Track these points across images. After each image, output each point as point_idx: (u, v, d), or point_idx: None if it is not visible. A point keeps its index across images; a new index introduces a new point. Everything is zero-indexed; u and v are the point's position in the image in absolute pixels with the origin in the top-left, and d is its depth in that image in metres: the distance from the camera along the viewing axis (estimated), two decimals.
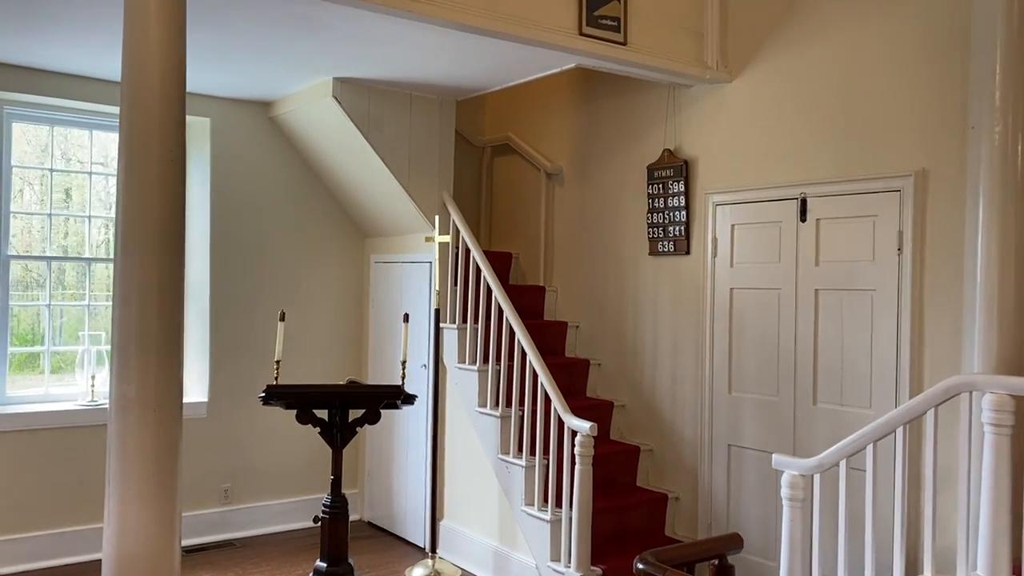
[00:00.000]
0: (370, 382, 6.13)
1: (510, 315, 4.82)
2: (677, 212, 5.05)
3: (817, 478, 3.37)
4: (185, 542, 5.41)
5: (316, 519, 4.16)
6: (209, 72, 4.93)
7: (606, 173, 5.63)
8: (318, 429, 4.16)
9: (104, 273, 5.51)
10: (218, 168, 5.63)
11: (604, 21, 4.33)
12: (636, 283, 5.38)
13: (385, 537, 5.82)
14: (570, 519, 4.33)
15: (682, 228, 5.03)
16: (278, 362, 4.22)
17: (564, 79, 5.91)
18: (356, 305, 6.24)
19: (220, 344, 5.63)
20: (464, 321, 5.27)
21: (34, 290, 5.30)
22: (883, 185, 4.07)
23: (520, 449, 4.84)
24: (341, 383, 4.36)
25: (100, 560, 2.99)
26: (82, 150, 5.46)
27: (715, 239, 4.87)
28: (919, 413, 3.12)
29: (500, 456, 4.88)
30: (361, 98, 5.14)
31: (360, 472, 6.23)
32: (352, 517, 5.98)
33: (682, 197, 5.02)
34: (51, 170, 5.33)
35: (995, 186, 3.46)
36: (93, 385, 5.30)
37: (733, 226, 4.78)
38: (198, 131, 5.66)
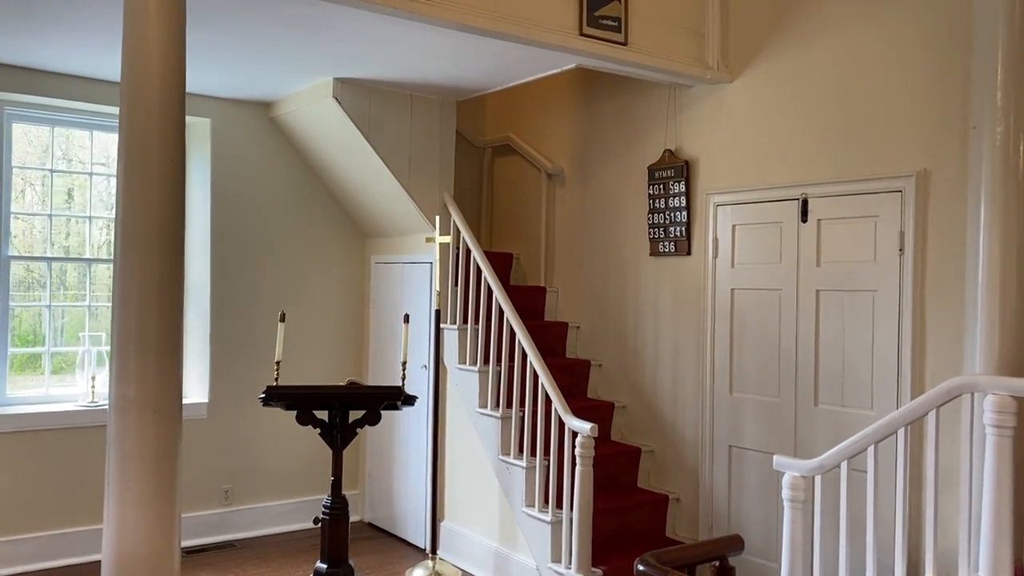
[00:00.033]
0: (370, 383, 6.13)
1: (511, 316, 4.82)
2: (678, 212, 5.05)
3: (818, 479, 3.36)
4: (185, 543, 5.41)
5: (316, 520, 4.15)
6: (209, 72, 4.93)
7: (607, 173, 5.62)
8: (318, 430, 4.15)
9: (105, 274, 5.51)
10: (218, 168, 5.63)
11: (605, 21, 4.32)
12: (637, 284, 5.38)
13: (385, 538, 5.81)
14: (571, 520, 4.32)
15: (683, 228, 5.02)
16: (278, 363, 4.21)
17: (565, 79, 5.91)
18: (356, 306, 6.24)
19: (220, 345, 5.63)
20: (465, 322, 5.26)
21: (36, 291, 5.30)
22: (884, 185, 4.06)
23: (521, 450, 4.83)
24: (341, 384, 4.35)
25: (101, 561, 2.98)
26: (83, 151, 5.46)
27: (716, 239, 4.86)
28: (920, 414, 3.11)
29: (501, 457, 4.87)
30: (361, 98, 5.13)
31: (361, 473, 6.23)
32: (353, 518, 5.97)
33: (683, 197, 5.01)
34: (51, 171, 5.33)
35: (996, 186, 3.46)
36: (93, 386, 5.29)
37: (734, 226, 4.77)
38: (198, 131, 5.66)
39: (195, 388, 5.67)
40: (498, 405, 4.95)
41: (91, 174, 5.48)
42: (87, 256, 5.45)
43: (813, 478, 3.37)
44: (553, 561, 4.48)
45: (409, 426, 5.72)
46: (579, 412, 4.89)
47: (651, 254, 5.25)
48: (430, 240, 5.17)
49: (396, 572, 5.12)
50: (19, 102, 5.09)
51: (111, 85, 5.18)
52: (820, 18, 4.37)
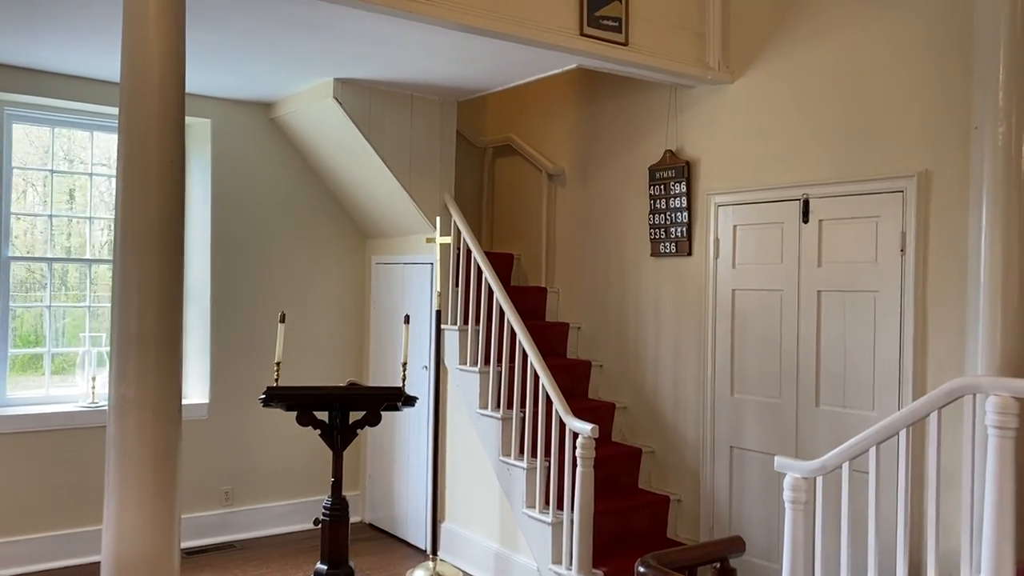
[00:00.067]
0: (371, 384, 6.12)
1: (511, 316, 4.81)
2: (679, 213, 5.04)
3: (820, 480, 3.35)
4: (186, 544, 5.40)
5: (316, 521, 4.15)
6: (209, 73, 4.93)
7: (608, 174, 5.61)
8: (318, 431, 4.15)
9: (106, 274, 5.50)
10: (219, 169, 5.62)
11: (605, 22, 4.31)
12: (638, 284, 5.37)
13: (386, 539, 5.80)
14: (571, 521, 4.31)
15: (684, 229, 5.01)
16: (278, 364, 4.21)
17: (565, 80, 5.90)
18: (357, 306, 6.23)
19: (221, 345, 5.62)
20: (465, 322, 5.25)
21: (37, 291, 5.30)
22: (886, 186, 4.05)
23: (521, 451, 4.82)
24: (341, 385, 4.35)
25: (100, 562, 2.98)
26: (84, 151, 5.46)
27: (717, 240, 4.85)
28: (922, 415, 3.10)
29: (501, 458, 4.87)
30: (362, 99, 5.13)
31: (361, 474, 6.22)
32: (353, 519, 5.97)
33: (684, 198, 5.00)
34: (52, 171, 5.33)
35: (998, 186, 3.45)
36: (94, 387, 5.29)
37: (735, 227, 4.77)
38: (199, 132, 5.66)
39: (195, 389, 5.67)
40: (499, 406, 4.95)
41: (91, 175, 5.48)
42: (87, 257, 5.45)
43: (814, 479, 3.36)
44: (554, 562, 4.47)
45: (410, 427, 5.71)
46: (580, 413, 4.88)
47: (652, 255, 5.24)
48: (431, 241, 5.17)
49: (397, 573, 5.11)
50: (19, 103, 5.09)
51: (111, 85, 5.18)
52: (821, 18, 4.36)
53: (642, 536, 4.93)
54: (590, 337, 5.73)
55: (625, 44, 4.40)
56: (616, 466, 5.12)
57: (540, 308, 5.97)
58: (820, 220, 4.34)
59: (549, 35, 4.13)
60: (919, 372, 3.93)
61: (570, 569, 4.31)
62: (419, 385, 5.55)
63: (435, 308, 5.11)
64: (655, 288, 5.25)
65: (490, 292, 5.10)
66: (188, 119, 5.43)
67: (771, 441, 4.55)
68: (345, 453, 4.23)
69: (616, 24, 4.36)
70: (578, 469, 4.23)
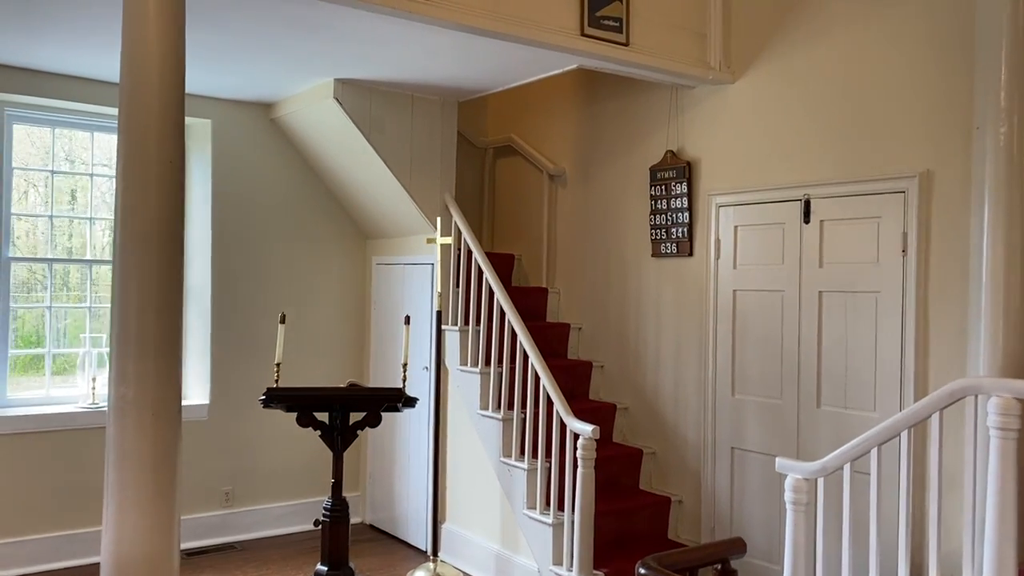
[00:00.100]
0: (371, 384, 6.12)
1: (512, 317, 4.80)
2: (680, 214, 5.03)
3: (821, 482, 3.34)
4: (186, 545, 5.40)
5: (317, 522, 4.14)
6: (210, 73, 4.92)
7: (608, 174, 5.61)
8: (319, 432, 4.14)
9: (108, 275, 5.50)
10: (219, 169, 5.62)
11: (606, 22, 4.31)
12: (639, 285, 5.36)
13: (387, 540, 5.80)
14: (572, 523, 4.30)
15: (685, 230, 5.00)
16: (278, 364, 4.20)
17: (566, 80, 5.90)
18: (357, 307, 6.23)
19: (221, 346, 5.62)
20: (466, 323, 5.25)
21: (39, 292, 5.30)
22: (887, 186, 4.04)
23: (522, 452, 4.81)
24: (342, 386, 4.34)
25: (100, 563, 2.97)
26: (85, 152, 5.45)
27: (718, 241, 4.85)
28: (924, 416, 3.09)
29: (502, 459, 4.86)
30: (362, 99, 5.12)
31: (362, 475, 6.21)
32: (354, 520, 5.96)
33: (685, 198, 4.99)
34: (52, 172, 5.32)
35: (1000, 187, 3.44)
36: (94, 387, 5.28)
37: (736, 227, 4.76)
38: (199, 133, 5.65)
39: (196, 389, 5.66)
40: (499, 407, 4.94)
41: (92, 175, 5.47)
42: (88, 257, 5.45)
43: (816, 480, 3.35)
44: (555, 563, 4.46)
45: (410, 428, 5.70)
46: (580, 414, 4.87)
47: (653, 255, 5.24)
48: (431, 241, 5.16)
49: (397, 574, 5.11)
50: (19, 103, 5.08)
51: (111, 86, 5.18)
52: (822, 18, 4.35)
53: (643, 537, 4.93)
54: (591, 338, 5.72)
55: (626, 44, 4.39)
56: (617, 467, 5.12)
57: (541, 309, 5.96)
58: (821, 220, 4.33)
59: (550, 35, 4.12)
60: (921, 373, 3.92)
61: (571, 570, 4.30)
62: (420, 386, 5.54)
63: (436, 309, 5.10)
64: (656, 289, 5.24)
65: (491, 293, 5.09)
66: (188, 119, 5.43)
67: (772, 442, 4.54)
68: (345, 454, 4.22)
69: (617, 24, 4.35)
70: (579, 470, 4.22)
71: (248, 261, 5.74)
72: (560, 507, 4.54)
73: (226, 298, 5.64)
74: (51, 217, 5.32)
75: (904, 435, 3.14)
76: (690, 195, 4.99)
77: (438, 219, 5.18)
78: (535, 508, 4.64)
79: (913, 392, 3.93)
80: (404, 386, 4.32)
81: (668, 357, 5.15)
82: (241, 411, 5.71)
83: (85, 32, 4.15)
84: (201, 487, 5.55)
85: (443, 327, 5.26)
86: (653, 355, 5.25)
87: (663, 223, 5.14)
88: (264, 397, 4.01)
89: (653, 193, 5.20)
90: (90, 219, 5.47)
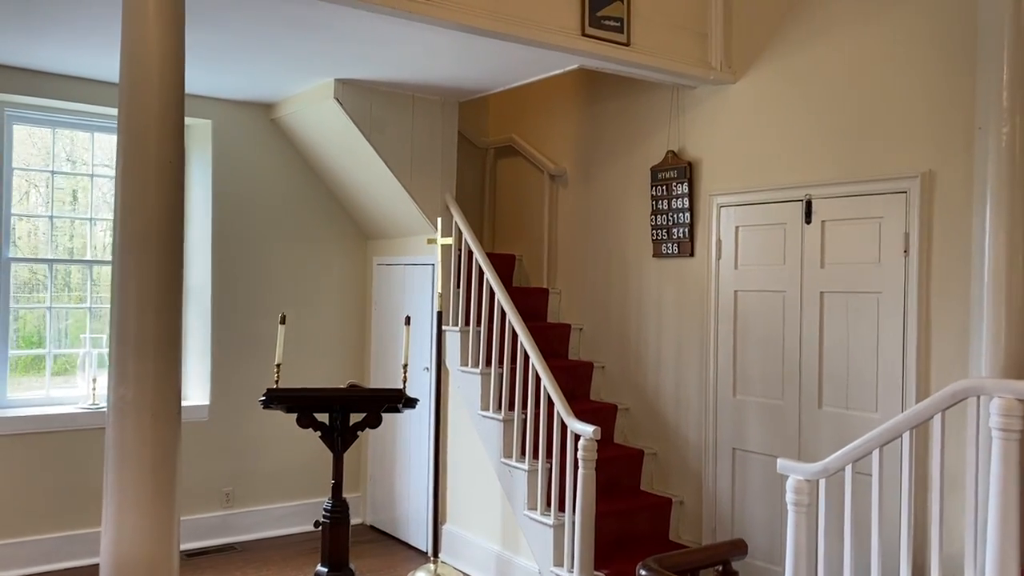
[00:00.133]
0: (372, 385, 6.11)
1: (513, 318, 4.79)
2: (681, 214, 5.02)
3: (822, 483, 3.33)
4: (186, 546, 5.39)
5: (317, 524, 4.13)
6: (210, 73, 4.92)
7: (609, 175, 5.60)
8: (319, 433, 4.13)
9: (108, 275, 5.49)
10: (220, 170, 5.61)
11: (607, 22, 4.30)
12: (640, 285, 5.35)
13: (387, 541, 5.79)
14: (573, 524, 4.30)
15: (686, 230, 5.00)
16: (279, 365, 4.19)
17: (567, 80, 5.89)
18: (358, 307, 6.22)
19: (222, 346, 5.61)
20: (467, 324, 5.24)
21: (41, 292, 5.29)
22: (889, 187, 4.03)
23: (523, 453, 4.81)
24: (342, 387, 4.33)
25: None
26: (86, 152, 5.45)
27: (719, 241, 4.84)
28: (926, 417, 3.08)
29: (503, 460, 4.85)
30: (363, 100, 5.12)
31: (362, 475, 6.21)
32: (354, 521, 5.96)
33: (686, 199, 4.99)
34: (52, 172, 5.32)
35: (1002, 187, 3.43)
36: (94, 388, 5.28)
37: (737, 228, 4.75)
38: (200, 133, 5.65)
39: (196, 390, 5.66)
40: (500, 407, 4.93)
41: (93, 175, 5.47)
42: (88, 258, 5.44)
43: (817, 482, 3.35)
44: (555, 565, 4.45)
45: (411, 429, 5.70)
46: (581, 414, 4.86)
47: (654, 256, 5.23)
48: (432, 241, 5.15)
49: (397, 575, 5.10)
50: (19, 103, 5.08)
51: (111, 86, 5.17)
52: (823, 18, 4.34)
53: (644, 538, 4.92)
54: (592, 338, 5.71)
55: (627, 44, 4.38)
56: (618, 468, 5.11)
57: (542, 309, 5.95)
58: (823, 221, 4.32)
59: (550, 35, 4.12)
60: (922, 374, 3.91)
61: (572, 571, 4.29)
62: (420, 386, 5.54)
63: (436, 309, 5.09)
64: (657, 289, 5.23)
65: (491, 293, 5.08)
66: (189, 120, 5.43)
67: (773, 443, 4.53)
68: (346, 455, 4.21)
69: (618, 24, 4.34)
70: (580, 471, 4.21)
71: (248, 261, 5.73)
72: (561, 508, 4.53)
73: (226, 298, 5.64)
74: (51, 218, 5.32)
75: (906, 436, 3.13)
76: (691, 195, 4.98)
77: (439, 219, 5.17)
78: (536, 509, 4.63)
79: (915, 393, 3.92)
80: (404, 387, 4.32)
81: (669, 358, 5.14)
82: (241, 412, 5.70)
83: (85, 32, 4.15)
84: (201, 488, 5.54)
85: (444, 328, 5.25)
86: (654, 356, 5.24)
87: (664, 223, 5.13)
88: (264, 398, 4.00)
89: (654, 193, 5.19)
90: (91, 219, 5.46)
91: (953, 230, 3.81)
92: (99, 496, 5.14)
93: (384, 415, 5.36)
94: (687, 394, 5.02)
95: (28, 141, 5.24)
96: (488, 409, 4.99)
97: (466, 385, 5.16)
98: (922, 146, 3.92)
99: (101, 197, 5.48)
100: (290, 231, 5.90)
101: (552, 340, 5.69)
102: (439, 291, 5.06)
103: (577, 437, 4.27)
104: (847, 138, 4.22)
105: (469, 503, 5.20)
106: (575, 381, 5.52)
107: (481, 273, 5.15)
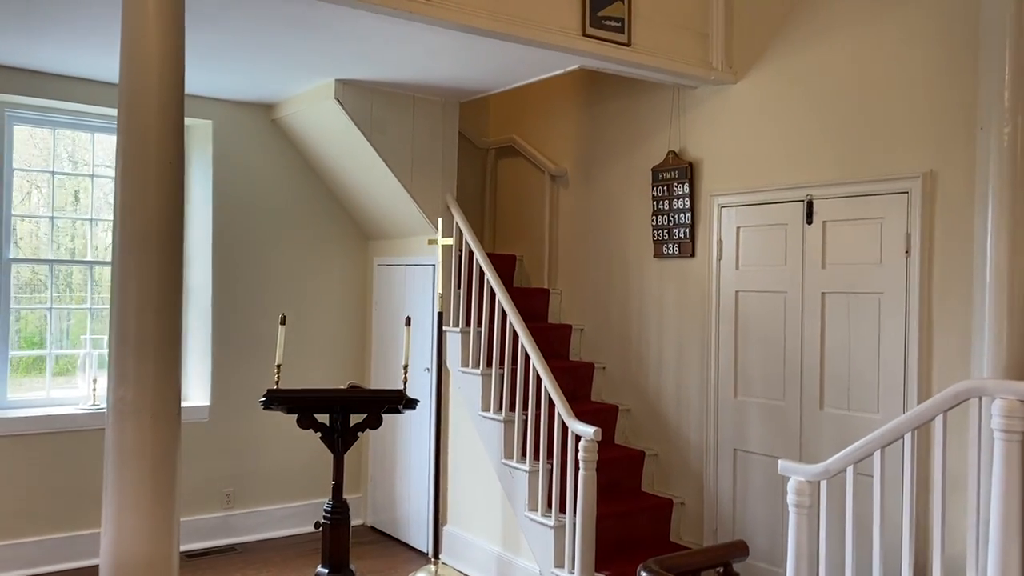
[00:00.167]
0: (373, 386, 6.11)
1: (514, 318, 4.79)
2: (682, 214, 5.01)
3: (824, 484, 3.32)
4: (186, 546, 5.39)
5: (317, 525, 4.13)
6: (211, 73, 4.92)
7: (610, 175, 5.59)
8: (319, 434, 4.13)
9: (109, 276, 5.49)
10: (220, 170, 5.61)
11: (608, 22, 4.29)
12: (641, 286, 5.34)
13: (388, 542, 5.78)
14: (574, 525, 4.29)
15: (687, 230, 4.99)
16: (279, 366, 4.19)
17: (568, 81, 5.88)
18: (359, 308, 6.21)
19: (222, 347, 5.61)
20: (467, 324, 5.24)
21: (42, 293, 5.29)
22: (890, 187, 4.02)
23: (524, 454, 4.80)
24: (342, 387, 4.33)
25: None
26: (87, 152, 5.45)
27: (720, 241, 4.83)
28: (927, 418, 3.07)
29: (503, 461, 4.84)
30: (363, 100, 5.11)
31: (363, 476, 6.20)
32: (355, 522, 5.95)
33: (687, 199, 4.98)
34: (53, 173, 5.32)
35: (1004, 188, 3.42)
36: (95, 389, 5.28)
37: (738, 228, 4.74)
38: (200, 133, 5.65)
39: (197, 391, 5.65)
40: (501, 408, 4.93)
41: (93, 176, 5.47)
42: (88, 258, 5.44)
43: (819, 483, 3.34)
44: (556, 566, 4.45)
45: (411, 429, 5.69)
46: (582, 415, 4.85)
47: (655, 256, 5.22)
48: (433, 242, 5.15)
49: None
50: (20, 104, 5.08)
51: (111, 86, 5.17)
52: (825, 18, 4.34)
53: (645, 540, 4.91)
54: (593, 339, 5.70)
55: (628, 44, 4.38)
56: (619, 469, 5.10)
57: (542, 310, 5.95)
58: (824, 221, 4.31)
59: (551, 35, 4.11)
60: (924, 375, 3.90)
61: (572, 573, 4.29)
62: (421, 387, 5.53)
63: (437, 310, 5.09)
64: (658, 290, 5.22)
65: (492, 294, 5.08)
66: (189, 120, 5.42)
67: (775, 444, 4.52)
68: (346, 456, 4.21)
69: (618, 24, 4.33)
70: (581, 472, 4.20)
71: (249, 262, 5.73)
72: (562, 509, 4.53)
73: (226, 299, 5.63)
74: (52, 218, 5.31)
75: (908, 437, 3.12)
76: (692, 196, 4.97)
77: (439, 220, 5.17)
78: (536, 510, 4.62)
79: (916, 394, 3.91)
80: (405, 387, 4.31)
81: (670, 358, 5.14)
82: (242, 412, 5.70)
83: (85, 32, 4.15)
84: (202, 488, 5.54)
85: (444, 328, 5.25)
86: (655, 356, 5.24)
87: (665, 224, 5.12)
88: (265, 398, 4.00)
89: (655, 194, 5.19)
90: (92, 220, 5.46)
91: (955, 230, 3.80)
92: (99, 497, 5.13)
93: (385, 416, 5.36)
94: (688, 395, 5.02)
95: (29, 142, 5.24)
96: (489, 410, 4.98)
97: (467, 386, 5.15)
98: (923, 146, 3.91)
99: (102, 197, 5.48)
100: (291, 231, 5.90)
101: (553, 341, 5.68)
102: (440, 292, 5.05)
103: (578, 438, 4.27)
104: (848, 138, 4.22)
105: (470, 504, 5.19)
106: (576, 382, 5.51)
107: (482, 274, 5.14)
